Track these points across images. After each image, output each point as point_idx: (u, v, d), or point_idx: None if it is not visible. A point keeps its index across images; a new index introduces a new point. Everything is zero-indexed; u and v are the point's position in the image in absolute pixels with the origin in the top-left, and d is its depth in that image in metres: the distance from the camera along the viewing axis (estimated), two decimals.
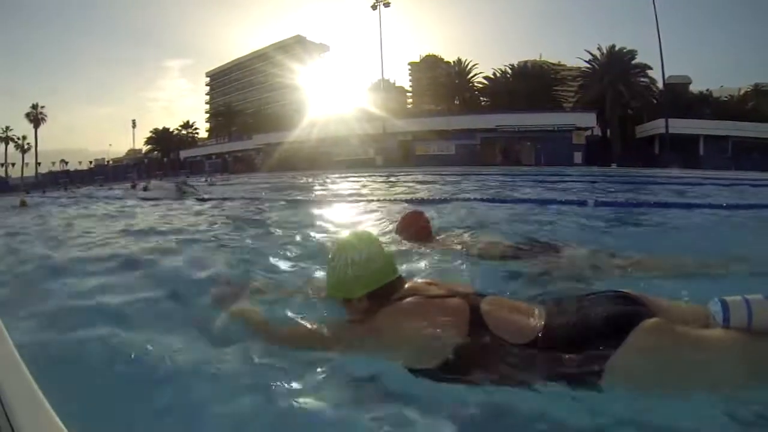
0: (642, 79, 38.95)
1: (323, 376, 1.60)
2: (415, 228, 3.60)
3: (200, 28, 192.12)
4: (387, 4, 44.84)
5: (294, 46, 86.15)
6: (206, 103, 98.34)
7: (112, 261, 3.73)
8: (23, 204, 13.35)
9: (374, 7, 44.42)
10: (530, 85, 44.15)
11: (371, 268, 1.82)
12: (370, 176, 19.30)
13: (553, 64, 55.94)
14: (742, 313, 1.36)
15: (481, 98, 51.08)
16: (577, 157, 33.12)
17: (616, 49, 39.44)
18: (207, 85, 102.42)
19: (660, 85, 37.78)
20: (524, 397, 1.40)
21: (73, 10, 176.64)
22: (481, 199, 7.74)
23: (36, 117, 63.20)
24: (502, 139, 35.50)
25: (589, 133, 37.19)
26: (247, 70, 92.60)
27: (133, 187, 17.72)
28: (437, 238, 3.68)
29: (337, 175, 19.64)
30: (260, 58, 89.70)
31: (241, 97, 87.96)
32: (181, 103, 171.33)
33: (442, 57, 61.71)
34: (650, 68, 38.20)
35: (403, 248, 3.41)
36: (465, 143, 35.51)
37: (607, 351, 1.37)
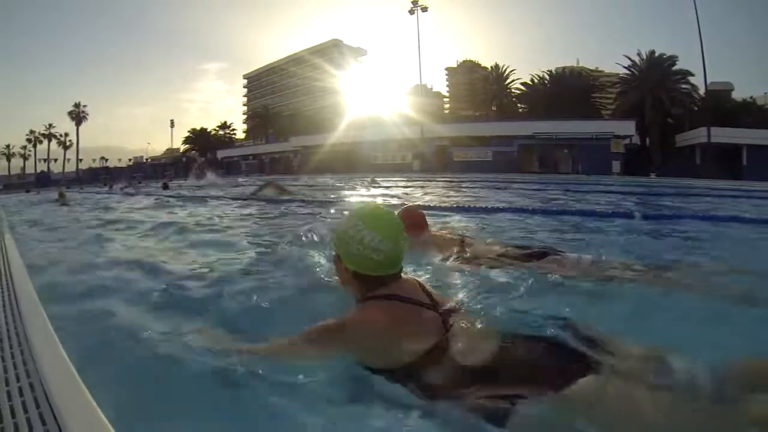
0: (683, 86, 37.94)
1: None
2: (408, 222, 3.60)
3: (237, 32, 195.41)
4: (425, 9, 44.59)
5: (331, 49, 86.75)
6: (243, 105, 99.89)
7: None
8: (62, 196, 14.32)
9: (412, 12, 44.32)
10: (568, 91, 43.62)
11: (370, 257, 1.77)
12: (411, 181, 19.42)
13: (591, 71, 55.35)
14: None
15: (519, 104, 50.72)
16: (616, 166, 32.68)
17: (656, 54, 38.71)
18: (244, 87, 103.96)
19: (701, 91, 36.66)
20: (450, 416, 1.40)
21: (114, 13, 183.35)
22: (521, 209, 7.11)
23: (78, 115, 65.70)
24: (540, 147, 35.18)
25: (627, 141, 36.61)
26: (284, 73, 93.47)
27: (165, 187, 18.68)
28: (433, 233, 3.60)
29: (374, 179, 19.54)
30: (297, 61, 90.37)
31: (278, 99, 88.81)
32: (218, 104, 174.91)
33: (479, 62, 62.22)
34: (691, 74, 37.26)
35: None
36: (502, 150, 35.24)
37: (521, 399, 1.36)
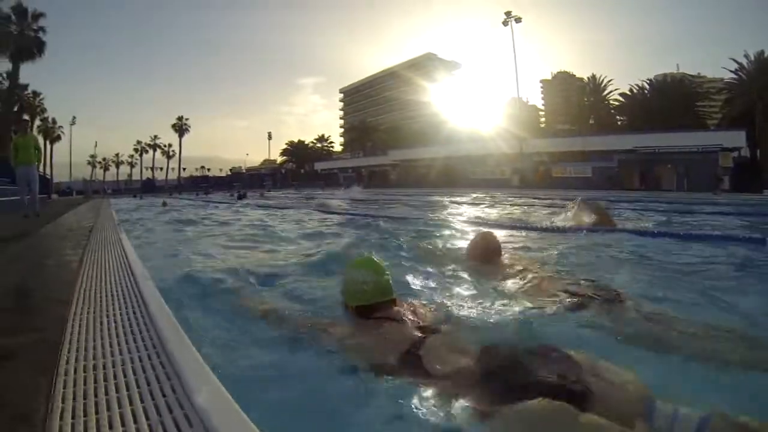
0: None
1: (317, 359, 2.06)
2: (479, 249, 3.81)
3: (333, 47, 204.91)
4: (518, 20, 42.35)
5: (425, 63, 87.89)
6: (340, 118, 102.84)
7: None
8: (164, 205, 16.57)
9: (505, 23, 42.29)
10: (669, 101, 41.26)
11: (361, 289, 2.33)
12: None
13: (693, 77, 51.98)
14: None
15: (617, 116, 48.79)
16: (724, 182, 29.12)
17: (766, 55, 35.18)
18: (341, 101, 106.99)
19: None
20: (420, 410, 1.59)
21: (213, 33, 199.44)
22: (628, 230, 6.03)
23: (180, 127, 70.27)
24: (641, 161, 32.66)
25: (736, 154, 33.29)
26: (379, 87, 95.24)
27: (261, 195, 21.18)
28: (504, 261, 3.74)
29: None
30: (392, 75, 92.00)
31: (374, 113, 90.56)
32: (314, 117, 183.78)
33: (574, 73, 60.82)
34: None
35: (467, 265, 3.73)
36: (602, 165, 33.51)
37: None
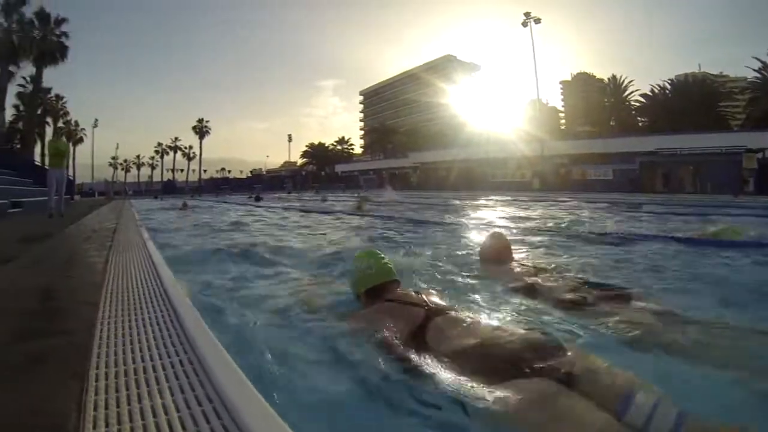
0: None
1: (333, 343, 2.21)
2: (490, 249, 3.94)
3: (352, 50, 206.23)
4: (537, 21, 41.76)
5: (444, 65, 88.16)
6: (360, 120, 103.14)
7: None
8: (185, 206, 16.55)
9: (525, 24, 41.74)
10: (692, 101, 40.90)
11: (367, 273, 2.65)
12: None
13: (715, 76, 51.03)
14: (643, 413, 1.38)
15: (639, 118, 48.28)
16: (749, 184, 28.56)
17: None
18: (360, 103, 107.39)
19: None
20: (416, 384, 1.75)
21: (234, 36, 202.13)
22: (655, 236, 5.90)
23: (201, 130, 70.66)
24: (663, 164, 31.75)
25: (761, 155, 31.55)
26: (399, 89, 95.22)
27: (258, 199, 21.40)
28: (513, 262, 3.83)
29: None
30: (411, 77, 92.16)
31: (394, 115, 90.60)
32: (334, 119, 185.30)
33: (594, 74, 60.02)
34: None
35: (480, 266, 3.86)
36: (623, 168, 32.91)
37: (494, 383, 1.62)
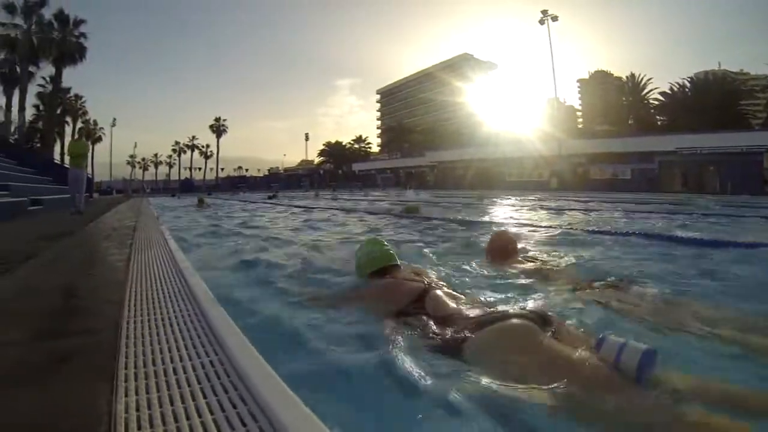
0: None
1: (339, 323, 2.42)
2: (495, 246, 3.97)
3: (369, 49, 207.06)
4: (555, 19, 41.86)
5: (461, 64, 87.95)
6: (377, 119, 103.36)
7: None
8: (201, 202, 16.46)
9: (542, 22, 41.90)
10: (712, 99, 40.14)
11: (372, 257, 2.99)
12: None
13: (736, 74, 50.64)
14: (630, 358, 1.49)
15: (658, 116, 47.59)
16: None
17: None
18: (377, 102, 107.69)
19: None
20: (415, 345, 2.00)
21: (251, 35, 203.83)
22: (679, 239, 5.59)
23: (218, 128, 71.32)
24: (683, 163, 31.72)
25: None
26: (416, 88, 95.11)
27: (316, 195, 21.61)
28: (519, 258, 3.86)
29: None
30: (428, 76, 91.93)
31: (411, 114, 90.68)
32: (351, 118, 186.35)
33: (612, 72, 59.64)
34: None
35: (486, 263, 3.86)
36: (642, 167, 32.96)
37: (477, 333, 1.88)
